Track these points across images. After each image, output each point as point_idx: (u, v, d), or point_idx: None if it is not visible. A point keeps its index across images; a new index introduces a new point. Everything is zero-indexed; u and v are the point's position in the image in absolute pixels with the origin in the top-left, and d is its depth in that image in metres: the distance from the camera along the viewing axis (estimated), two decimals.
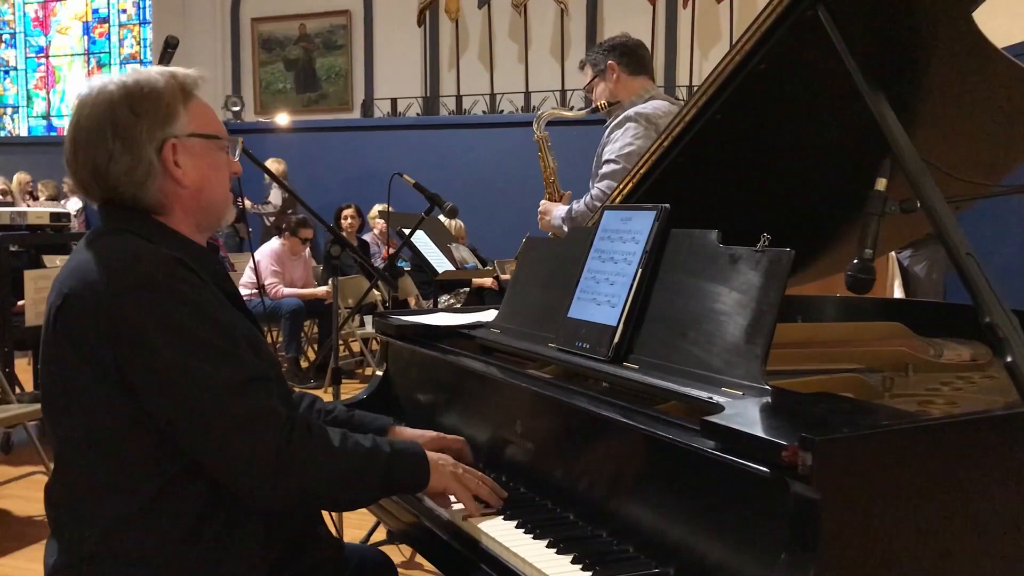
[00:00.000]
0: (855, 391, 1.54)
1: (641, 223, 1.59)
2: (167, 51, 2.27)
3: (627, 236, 1.61)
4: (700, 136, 1.77)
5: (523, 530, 1.36)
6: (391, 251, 7.12)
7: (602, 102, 2.89)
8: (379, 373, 2.11)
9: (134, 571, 1.31)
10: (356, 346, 6.56)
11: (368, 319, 6.06)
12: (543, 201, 2.92)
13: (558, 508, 1.43)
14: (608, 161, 2.68)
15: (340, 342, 6.23)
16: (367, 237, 7.15)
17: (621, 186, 1.92)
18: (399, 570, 1.73)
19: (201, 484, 1.32)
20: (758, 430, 1.07)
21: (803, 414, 1.14)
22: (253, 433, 1.28)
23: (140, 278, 1.27)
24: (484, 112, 10.45)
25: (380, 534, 3.06)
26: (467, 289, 6.32)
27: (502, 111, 10.44)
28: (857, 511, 1.01)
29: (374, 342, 6.61)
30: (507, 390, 1.61)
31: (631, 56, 2.80)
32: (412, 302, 6.38)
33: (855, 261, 1.56)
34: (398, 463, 1.41)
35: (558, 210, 2.80)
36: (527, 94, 10.45)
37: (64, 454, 1.37)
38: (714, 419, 1.12)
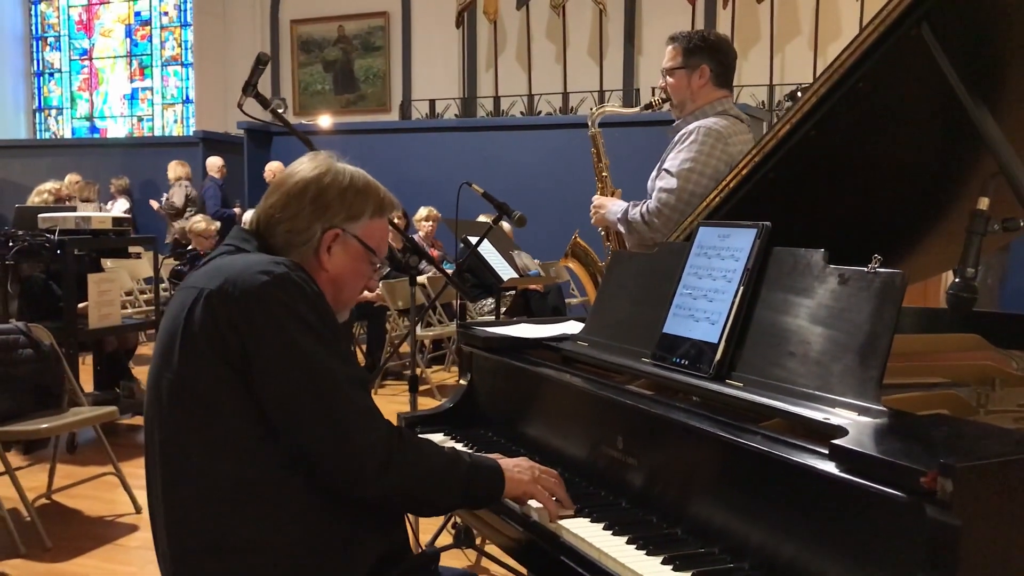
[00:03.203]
0: (953, 407, 1.54)
1: (741, 240, 1.60)
2: (258, 67, 2.33)
3: (725, 253, 1.63)
4: (792, 152, 1.78)
5: (635, 546, 1.38)
6: (436, 253, 7.20)
7: (656, 99, 2.86)
8: (463, 382, 2.14)
9: (242, 567, 1.39)
10: (405, 347, 6.61)
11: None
12: (597, 196, 2.87)
13: (664, 524, 1.45)
14: (666, 172, 2.59)
15: (388, 346, 6.29)
16: (413, 239, 7.19)
17: (708, 200, 1.94)
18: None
19: (299, 479, 1.40)
20: (891, 455, 1.08)
21: (929, 437, 1.15)
22: (369, 425, 1.40)
23: (276, 277, 1.40)
24: (522, 113, 10.48)
25: (446, 538, 3.10)
26: (512, 291, 6.34)
27: (540, 112, 10.46)
28: (995, 537, 1.02)
29: (425, 343, 6.66)
30: (608, 405, 1.63)
31: (726, 67, 2.68)
32: (455, 304, 6.41)
33: (957, 280, 1.57)
34: (476, 473, 1.51)
35: (614, 206, 2.74)
36: (565, 95, 10.47)
37: (173, 445, 1.43)
38: (843, 443, 1.13)
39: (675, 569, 1.29)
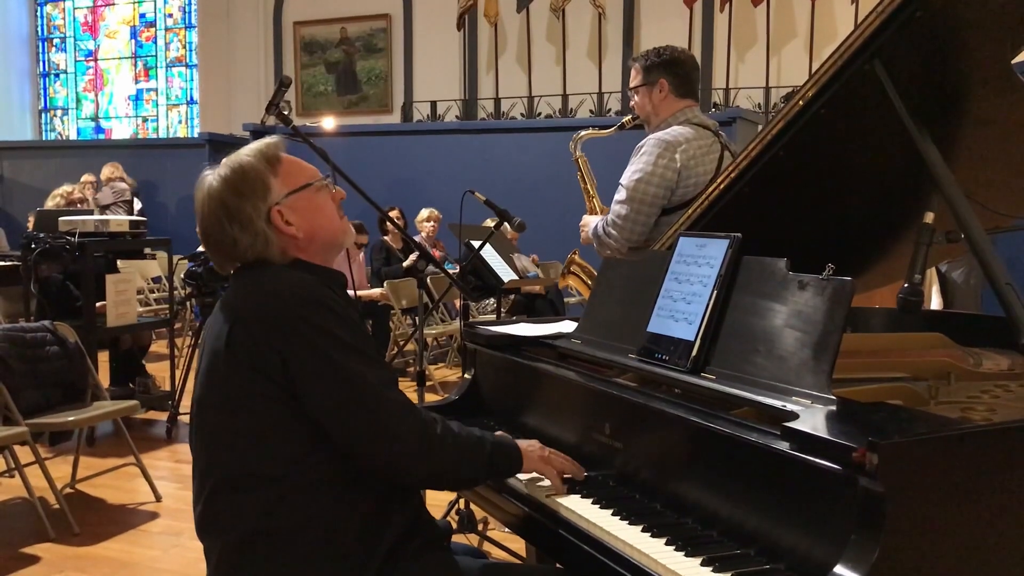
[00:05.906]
0: (905, 399, 1.74)
1: (715, 250, 1.80)
2: (280, 89, 2.53)
3: (702, 261, 1.83)
4: (764, 169, 1.98)
5: (619, 517, 1.58)
6: (438, 253, 7.40)
7: (626, 119, 3.05)
8: (467, 376, 2.34)
9: (286, 547, 1.56)
10: (411, 346, 6.81)
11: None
12: (584, 216, 3.09)
13: (645, 499, 1.65)
14: (620, 186, 2.79)
15: (393, 345, 6.49)
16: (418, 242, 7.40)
17: (690, 212, 2.14)
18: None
19: (336, 468, 1.57)
20: (831, 435, 1.28)
21: (867, 421, 1.35)
22: (406, 416, 1.58)
23: (303, 299, 1.55)
24: (522, 115, 10.67)
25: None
26: (514, 295, 6.55)
27: (539, 114, 10.65)
28: (914, 501, 1.22)
29: (428, 341, 6.86)
30: (597, 396, 1.83)
31: (684, 79, 2.86)
32: (458, 304, 6.62)
33: (906, 285, 1.77)
34: (498, 451, 1.70)
35: (593, 222, 2.95)
36: (564, 96, 10.66)
37: (222, 450, 1.60)
38: (793, 425, 1.34)
39: (653, 536, 1.50)
